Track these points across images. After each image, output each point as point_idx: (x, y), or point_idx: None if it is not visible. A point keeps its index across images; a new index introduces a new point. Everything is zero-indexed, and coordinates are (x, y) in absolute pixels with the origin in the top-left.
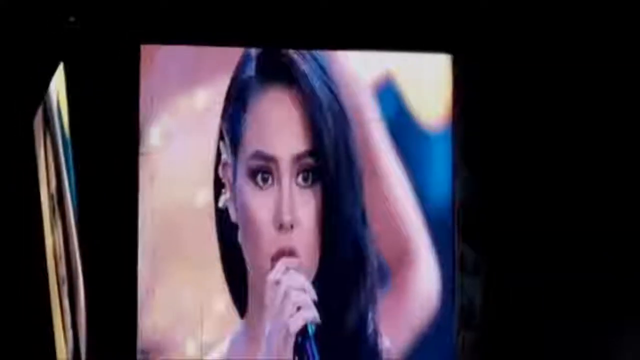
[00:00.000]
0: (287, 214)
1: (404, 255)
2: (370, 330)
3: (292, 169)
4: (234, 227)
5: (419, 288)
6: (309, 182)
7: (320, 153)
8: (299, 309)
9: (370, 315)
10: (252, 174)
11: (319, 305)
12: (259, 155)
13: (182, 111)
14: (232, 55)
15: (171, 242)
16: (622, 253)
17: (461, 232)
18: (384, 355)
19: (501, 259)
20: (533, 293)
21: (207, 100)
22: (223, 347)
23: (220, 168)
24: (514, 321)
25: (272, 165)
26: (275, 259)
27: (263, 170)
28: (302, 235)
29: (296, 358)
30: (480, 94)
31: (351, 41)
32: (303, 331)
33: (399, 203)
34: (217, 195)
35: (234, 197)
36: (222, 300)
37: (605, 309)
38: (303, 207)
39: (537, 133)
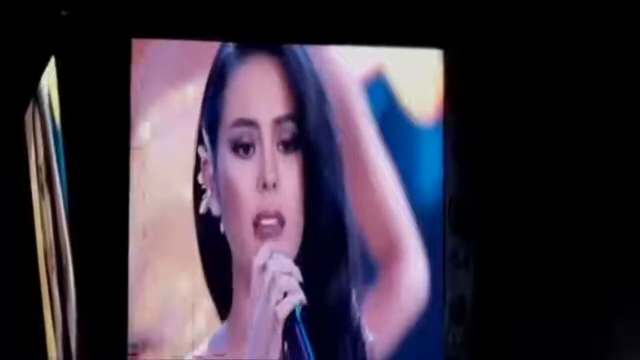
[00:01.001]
0: (270, 173)
1: (392, 249)
2: (356, 323)
3: (273, 134)
4: (217, 222)
5: (407, 282)
6: (291, 148)
7: (300, 118)
8: (285, 294)
9: (355, 300)
10: (234, 146)
11: (304, 278)
12: (239, 122)
13: (170, 106)
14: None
15: (161, 237)
16: (616, 246)
17: (452, 227)
18: (370, 349)
19: (492, 253)
20: (524, 288)
21: (194, 95)
22: (207, 342)
23: (200, 173)
24: (504, 316)
25: (253, 131)
26: (257, 220)
27: (244, 142)
28: (285, 197)
29: (286, 343)
30: (471, 88)
31: (342, 36)
32: (291, 315)
33: (387, 197)
34: (197, 201)
35: (215, 186)
36: (207, 298)
37: (599, 305)
38: (285, 170)
39: (528, 127)
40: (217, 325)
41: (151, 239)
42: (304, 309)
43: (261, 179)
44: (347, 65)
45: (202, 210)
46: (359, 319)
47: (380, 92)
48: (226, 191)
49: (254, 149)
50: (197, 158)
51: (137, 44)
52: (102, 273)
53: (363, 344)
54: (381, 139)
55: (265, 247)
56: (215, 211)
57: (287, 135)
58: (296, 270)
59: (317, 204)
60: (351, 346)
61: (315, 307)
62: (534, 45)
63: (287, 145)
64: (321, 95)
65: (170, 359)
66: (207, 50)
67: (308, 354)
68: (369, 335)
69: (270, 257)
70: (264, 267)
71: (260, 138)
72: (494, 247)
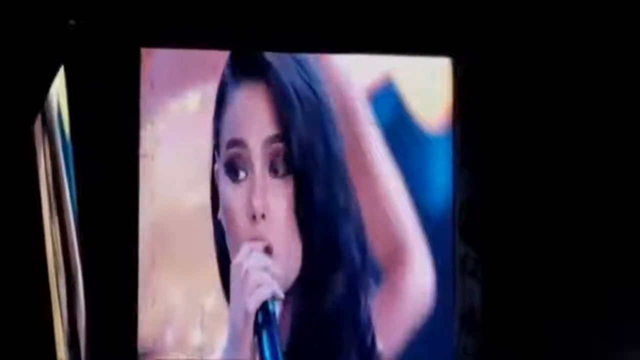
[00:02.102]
0: (258, 203)
1: (397, 256)
2: (364, 333)
3: (263, 156)
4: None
5: (412, 288)
6: (281, 172)
7: (290, 138)
8: (258, 286)
9: (360, 313)
10: (229, 167)
11: (303, 304)
12: (231, 142)
13: (179, 114)
14: (223, 57)
15: (168, 244)
16: (628, 252)
17: (461, 236)
18: (377, 358)
19: (502, 262)
20: (535, 294)
21: (199, 103)
22: (217, 349)
23: (216, 176)
24: (515, 323)
25: (244, 153)
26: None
27: (237, 164)
28: (275, 226)
29: (256, 338)
30: (480, 96)
31: (350, 44)
32: (263, 309)
33: (391, 203)
34: (214, 199)
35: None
36: (218, 303)
37: (607, 310)
38: (275, 197)
39: (537, 135)
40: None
41: (161, 246)
42: (299, 317)
43: (250, 210)
44: (351, 74)
45: (220, 215)
46: (366, 333)
47: (388, 101)
48: (225, 216)
49: (245, 173)
50: (214, 160)
51: (145, 53)
52: (111, 280)
53: (373, 352)
54: (389, 147)
55: (245, 247)
56: (224, 219)
57: (277, 157)
58: (271, 265)
59: (310, 230)
60: (361, 353)
61: (316, 321)
62: (543, 54)
63: (277, 169)
64: (317, 110)
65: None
66: (215, 60)
67: (276, 348)
68: (377, 344)
69: (248, 255)
70: (239, 264)
71: (250, 161)
72: (504, 255)
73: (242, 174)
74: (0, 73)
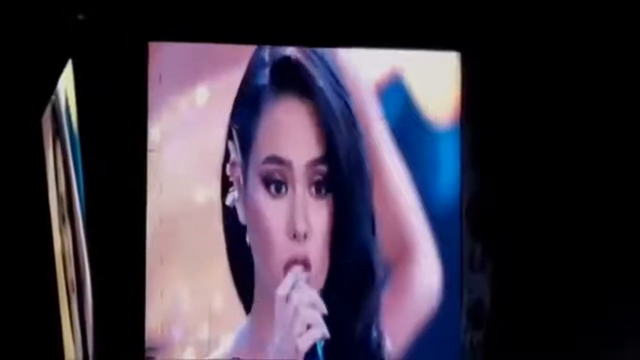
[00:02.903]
0: (302, 223)
1: (405, 251)
2: (374, 331)
3: (305, 177)
4: (242, 227)
5: (420, 285)
6: (322, 191)
7: (333, 160)
8: (309, 327)
9: (375, 317)
10: (265, 181)
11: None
12: (273, 159)
13: (187, 108)
14: (239, 52)
15: (176, 239)
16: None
17: (469, 230)
18: (386, 356)
19: (510, 256)
20: (542, 290)
21: (213, 98)
22: (227, 344)
23: (228, 166)
24: (523, 320)
25: (286, 171)
26: (287, 267)
27: (277, 179)
28: (315, 245)
29: None
30: (489, 91)
31: (358, 39)
32: (312, 349)
33: (400, 198)
34: (224, 192)
35: (242, 198)
36: (226, 298)
37: (615, 306)
38: (316, 216)
39: (545, 130)
40: (237, 323)
41: (169, 241)
42: (326, 341)
43: (292, 228)
44: (363, 70)
45: (228, 202)
46: (378, 333)
47: (397, 96)
48: (256, 226)
49: (286, 189)
50: (227, 151)
51: (153, 47)
52: (119, 274)
53: (381, 349)
54: (397, 142)
55: (290, 276)
56: (241, 217)
57: (319, 178)
58: (320, 303)
59: (345, 247)
60: (370, 350)
61: (335, 334)
62: (551, 48)
63: (320, 188)
64: (351, 132)
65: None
66: (224, 54)
67: None
68: (386, 342)
69: (294, 286)
70: (287, 298)
71: (292, 180)
72: (512, 250)
73: (282, 190)
74: (9, 67)
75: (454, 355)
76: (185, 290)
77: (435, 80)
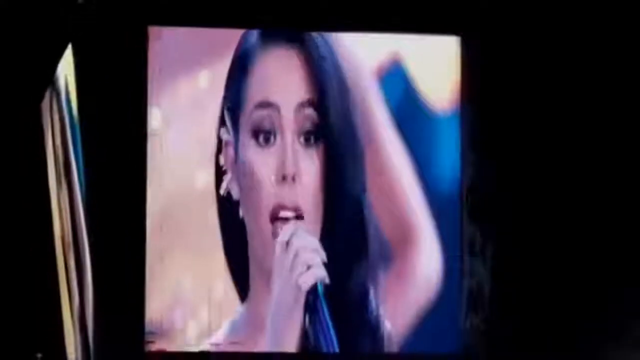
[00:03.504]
0: (290, 166)
1: (406, 236)
2: (372, 309)
3: (295, 123)
4: (237, 209)
5: (421, 268)
6: (311, 140)
7: (322, 105)
8: (309, 267)
9: (373, 292)
10: (255, 132)
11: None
12: (261, 104)
13: (185, 93)
14: (236, 35)
15: (176, 226)
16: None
17: (469, 214)
18: (387, 340)
19: (510, 241)
20: (542, 276)
21: (210, 82)
22: (224, 328)
23: (221, 155)
24: (522, 304)
25: (275, 117)
26: (275, 213)
27: (265, 128)
28: (304, 190)
29: (307, 316)
30: (488, 76)
31: (359, 23)
32: (313, 289)
33: (401, 183)
34: (218, 182)
35: (236, 170)
36: (225, 283)
37: (614, 289)
38: (305, 163)
39: (545, 115)
40: (235, 307)
41: (168, 223)
42: (327, 289)
43: (281, 171)
44: (361, 53)
45: (222, 191)
46: (377, 305)
47: (397, 80)
48: (245, 178)
49: (274, 137)
50: (219, 140)
51: (153, 31)
52: (119, 259)
53: (381, 331)
54: (398, 126)
55: (290, 225)
56: (235, 195)
57: (308, 125)
58: (321, 249)
59: (337, 198)
60: (370, 332)
61: (337, 293)
62: (551, 33)
63: (308, 137)
64: (342, 84)
65: (187, 350)
66: (223, 37)
67: (329, 329)
68: (386, 322)
69: (295, 233)
70: (287, 243)
71: (281, 125)
72: (512, 235)
73: (271, 139)
74: (9, 51)
75: (454, 338)
76: (186, 275)
77: (435, 64)
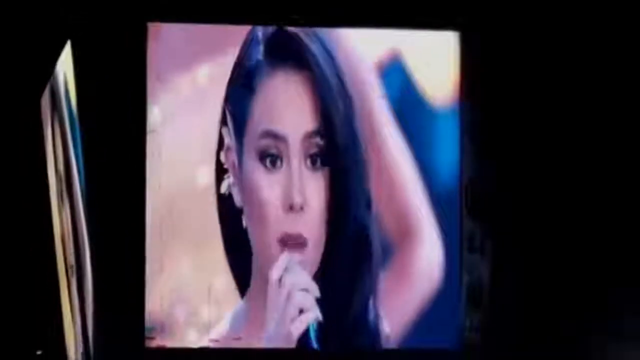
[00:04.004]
0: (298, 195)
1: (407, 231)
2: (372, 311)
3: (301, 150)
4: (238, 211)
5: (423, 264)
6: (318, 164)
7: (329, 133)
8: (301, 311)
9: (372, 297)
10: (261, 156)
11: (323, 289)
12: (268, 134)
13: (185, 90)
14: (236, 33)
15: (175, 222)
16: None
17: (469, 210)
18: (385, 337)
19: (509, 237)
20: (541, 272)
21: (210, 79)
22: (224, 325)
23: (222, 153)
24: (521, 301)
25: (282, 146)
26: (283, 241)
27: (272, 153)
28: (311, 218)
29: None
30: (487, 71)
31: (358, 18)
32: (305, 332)
33: (403, 179)
34: (219, 180)
35: (239, 182)
36: (224, 280)
37: (614, 287)
38: (312, 189)
39: (545, 110)
40: (235, 304)
41: (168, 220)
42: (321, 322)
43: (288, 200)
44: (362, 49)
45: (223, 190)
46: (377, 313)
47: (396, 75)
48: (252, 202)
49: (281, 162)
50: (221, 138)
51: (153, 27)
52: (119, 255)
53: (380, 330)
54: (397, 122)
55: (283, 258)
56: (237, 200)
57: (315, 150)
58: (313, 286)
59: (342, 222)
60: (368, 330)
61: (332, 310)
62: (550, 28)
63: (315, 161)
64: (347, 106)
65: (189, 346)
66: (224, 34)
67: None
68: (386, 323)
69: (287, 269)
70: (280, 281)
71: (288, 153)
72: (511, 231)
73: (277, 164)
74: (8, 48)
75: (453, 336)
76: (185, 272)
77: (435, 60)
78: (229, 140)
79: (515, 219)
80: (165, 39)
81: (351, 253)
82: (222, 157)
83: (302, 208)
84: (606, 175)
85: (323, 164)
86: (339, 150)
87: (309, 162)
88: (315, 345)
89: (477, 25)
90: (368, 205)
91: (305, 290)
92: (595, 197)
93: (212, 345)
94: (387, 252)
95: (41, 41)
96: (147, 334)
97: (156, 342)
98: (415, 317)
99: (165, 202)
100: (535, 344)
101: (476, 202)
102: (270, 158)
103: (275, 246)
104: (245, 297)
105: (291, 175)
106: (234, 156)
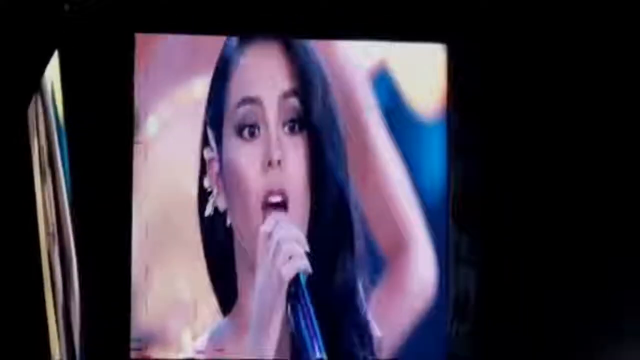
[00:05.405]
0: (276, 151)
1: (399, 242)
2: (362, 318)
3: (277, 112)
4: (224, 216)
5: (414, 276)
6: (296, 129)
7: (305, 94)
8: (290, 258)
9: (362, 298)
10: (239, 128)
11: (311, 247)
12: (243, 101)
13: (177, 100)
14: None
15: (165, 231)
16: (620, 241)
17: (456, 221)
18: (376, 344)
19: (497, 249)
20: (528, 284)
21: (201, 90)
22: (208, 336)
23: (205, 177)
24: (508, 311)
25: (257, 110)
26: (264, 199)
27: (249, 122)
28: (291, 175)
29: (289, 307)
30: (475, 83)
31: (346, 31)
32: (295, 280)
33: (394, 190)
34: (202, 202)
35: (223, 164)
36: (209, 291)
37: (604, 300)
38: (290, 150)
39: (531, 120)
40: (220, 315)
41: (154, 233)
42: (310, 283)
43: (266, 158)
44: (353, 60)
45: (207, 212)
46: (366, 306)
47: (383, 87)
48: (232, 177)
49: (259, 130)
50: (202, 160)
51: (140, 38)
52: (106, 268)
53: (370, 336)
54: (385, 132)
55: (273, 216)
56: (222, 207)
57: (291, 114)
58: (303, 239)
59: (323, 185)
60: (357, 334)
61: (322, 289)
62: (536, 40)
63: (292, 126)
64: (324, 80)
65: (174, 358)
66: (211, 45)
67: (311, 319)
68: (376, 328)
69: (277, 224)
70: (269, 235)
71: (264, 117)
72: (499, 242)
73: (255, 132)
74: None
75: (440, 345)
76: (172, 282)
77: (422, 72)
78: (210, 154)
79: (503, 231)
80: (153, 49)
81: (335, 224)
82: (205, 181)
83: (279, 163)
84: (594, 184)
85: (300, 128)
86: (315, 116)
87: (286, 126)
88: (306, 293)
89: (464, 39)
90: (345, 173)
91: (295, 240)
92: (583, 206)
93: (196, 356)
94: (380, 263)
95: (29, 51)
96: (132, 344)
97: (141, 353)
98: (407, 326)
99: (151, 213)
100: (524, 356)
101: (464, 213)
102: (249, 128)
103: (259, 215)
104: (232, 307)
105: (269, 137)
106: (216, 166)
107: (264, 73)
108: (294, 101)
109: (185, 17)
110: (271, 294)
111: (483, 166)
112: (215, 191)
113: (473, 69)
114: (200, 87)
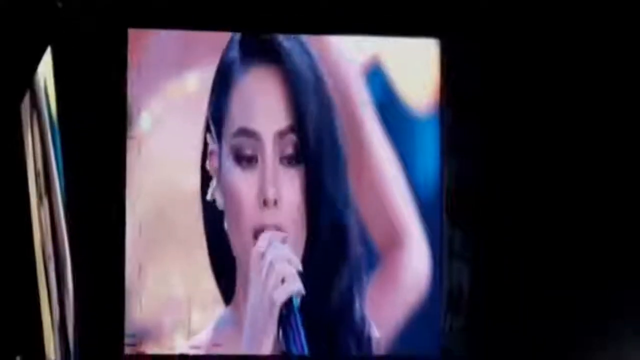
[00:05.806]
0: (271, 189)
1: (393, 237)
2: (357, 314)
3: (275, 147)
4: (221, 215)
5: (409, 270)
6: (293, 162)
7: (303, 129)
8: (283, 280)
9: (357, 299)
10: (237, 156)
11: (306, 285)
12: (242, 131)
13: (171, 96)
14: (221, 40)
15: (159, 227)
16: (615, 239)
17: (450, 216)
18: (372, 340)
19: (490, 243)
20: (521, 278)
21: (196, 85)
22: (205, 332)
23: (207, 160)
24: (502, 306)
25: (256, 143)
26: (258, 234)
27: (247, 153)
28: (286, 212)
29: (280, 330)
30: (468, 78)
31: (339, 26)
32: (288, 304)
33: (388, 185)
34: (204, 185)
35: (220, 184)
36: (209, 285)
37: (596, 295)
38: (287, 184)
39: (525, 115)
40: (218, 311)
41: (149, 226)
42: (305, 305)
43: (262, 195)
44: (346, 55)
45: (209, 197)
46: (362, 317)
47: (377, 83)
48: (229, 201)
49: (256, 160)
50: (205, 145)
51: (133, 34)
52: (100, 265)
53: (368, 339)
54: (379, 127)
55: (266, 236)
56: (220, 204)
57: (289, 149)
58: (295, 260)
59: (319, 217)
60: (353, 336)
61: (318, 309)
62: (529, 35)
63: (290, 159)
64: (325, 106)
65: (168, 353)
66: (205, 41)
67: (302, 345)
68: (373, 330)
69: (270, 245)
70: (262, 255)
71: (262, 151)
72: (492, 237)
73: (252, 162)
74: None
75: (435, 340)
76: (168, 278)
77: (415, 67)
78: (213, 146)
79: (497, 226)
80: (146, 45)
81: (332, 253)
82: (207, 164)
83: (275, 202)
84: (588, 180)
85: (298, 161)
86: (312, 147)
87: (284, 159)
88: (298, 317)
89: (457, 33)
90: (346, 203)
91: (288, 261)
92: (578, 202)
93: (193, 352)
94: (374, 257)
95: (22, 47)
96: (127, 340)
97: (136, 349)
98: (401, 320)
99: (145, 209)
100: (518, 351)
101: (458, 208)
102: (246, 159)
103: (250, 239)
104: (229, 304)
105: (265, 172)
106: (215, 161)
107: (262, 104)
108: (291, 137)
109: (178, 13)
110: (263, 316)
111: (477, 161)
112: (214, 183)
113: (466, 63)
114: (193, 82)
